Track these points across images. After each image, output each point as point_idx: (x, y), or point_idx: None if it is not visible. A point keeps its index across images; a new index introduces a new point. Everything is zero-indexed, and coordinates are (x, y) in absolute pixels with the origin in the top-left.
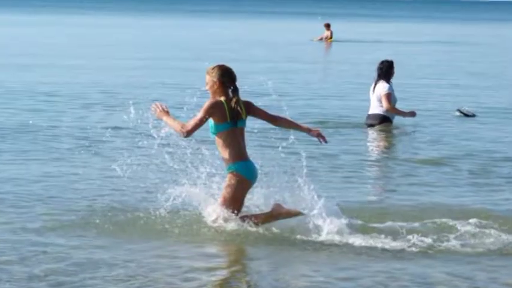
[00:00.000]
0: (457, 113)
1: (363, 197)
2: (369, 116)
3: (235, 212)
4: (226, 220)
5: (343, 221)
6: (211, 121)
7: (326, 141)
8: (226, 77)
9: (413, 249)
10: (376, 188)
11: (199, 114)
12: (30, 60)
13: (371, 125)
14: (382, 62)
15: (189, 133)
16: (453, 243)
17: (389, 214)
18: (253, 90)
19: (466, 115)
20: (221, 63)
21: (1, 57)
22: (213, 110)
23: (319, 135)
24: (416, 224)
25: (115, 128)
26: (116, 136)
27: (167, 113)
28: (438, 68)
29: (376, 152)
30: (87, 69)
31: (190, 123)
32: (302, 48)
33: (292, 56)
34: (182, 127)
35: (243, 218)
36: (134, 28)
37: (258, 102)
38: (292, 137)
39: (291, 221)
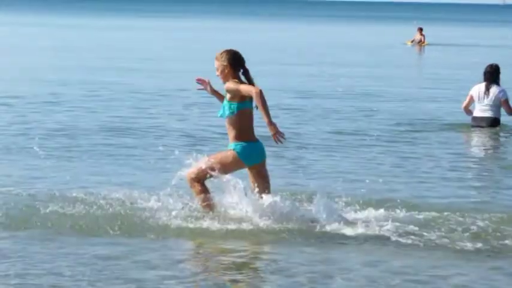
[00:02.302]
0: None
1: (460, 197)
2: (478, 119)
3: (217, 172)
4: (204, 169)
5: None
6: (229, 101)
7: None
8: (235, 60)
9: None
10: (475, 189)
11: (242, 85)
12: (137, 64)
13: (479, 127)
14: (491, 66)
15: (260, 90)
16: None
17: (477, 213)
18: (346, 92)
19: None
20: (229, 48)
21: (112, 61)
22: (241, 81)
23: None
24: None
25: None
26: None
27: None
28: None
29: (480, 154)
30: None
31: (251, 87)
32: (395, 51)
33: (385, 60)
34: (257, 93)
35: (203, 188)
36: (225, 32)
37: (351, 103)
38: (374, 134)
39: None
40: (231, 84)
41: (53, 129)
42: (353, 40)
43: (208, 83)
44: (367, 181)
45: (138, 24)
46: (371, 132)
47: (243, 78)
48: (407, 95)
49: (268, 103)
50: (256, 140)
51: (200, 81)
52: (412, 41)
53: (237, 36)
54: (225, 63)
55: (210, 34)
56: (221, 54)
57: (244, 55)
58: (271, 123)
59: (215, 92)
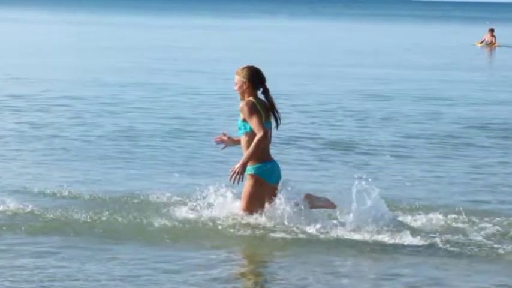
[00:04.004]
0: None
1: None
2: None
3: (257, 212)
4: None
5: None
6: (244, 121)
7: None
8: (255, 78)
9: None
10: None
11: (255, 117)
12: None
13: None
14: None
15: (265, 133)
16: None
17: None
18: (412, 95)
19: None
20: (250, 64)
21: (171, 62)
22: (256, 108)
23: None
24: None
25: None
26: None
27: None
28: None
29: None
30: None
31: (259, 128)
32: (464, 53)
33: (454, 62)
34: (258, 138)
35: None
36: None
37: (418, 107)
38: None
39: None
40: (245, 109)
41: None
42: (419, 41)
43: (227, 137)
44: (432, 187)
45: (194, 23)
46: (439, 136)
47: (262, 97)
48: (476, 98)
49: (331, 106)
50: (273, 159)
51: (219, 140)
52: (481, 42)
53: (298, 36)
54: (244, 80)
55: (272, 34)
56: (242, 69)
57: (303, 56)
58: (244, 165)
59: (236, 141)
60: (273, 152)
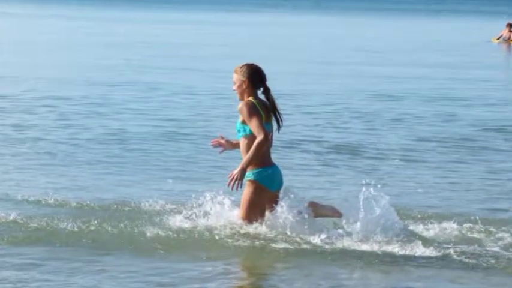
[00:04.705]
0: None
1: None
2: None
3: (258, 221)
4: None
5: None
6: (243, 123)
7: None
8: (255, 77)
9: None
10: None
11: (255, 118)
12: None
13: None
14: None
15: (266, 136)
16: None
17: None
18: (425, 95)
19: None
20: (250, 62)
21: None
22: (256, 109)
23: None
24: None
25: None
26: None
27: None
28: None
29: None
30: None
31: (260, 131)
32: (480, 50)
33: (469, 60)
34: (259, 142)
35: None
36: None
37: (430, 108)
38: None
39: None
40: (244, 110)
41: (100, 134)
42: (431, 37)
43: (225, 140)
44: (446, 194)
45: (190, 18)
46: (454, 139)
47: (262, 97)
48: (492, 99)
49: (337, 107)
50: (274, 164)
51: (216, 144)
52: (498, 38)
53: (302, 31)
54: (243, 78)
55: (274, 29)
56: (241, 68)
57: (307, 53)
58: (243, 170)
59: (235, 145)
60: (275, 156)
